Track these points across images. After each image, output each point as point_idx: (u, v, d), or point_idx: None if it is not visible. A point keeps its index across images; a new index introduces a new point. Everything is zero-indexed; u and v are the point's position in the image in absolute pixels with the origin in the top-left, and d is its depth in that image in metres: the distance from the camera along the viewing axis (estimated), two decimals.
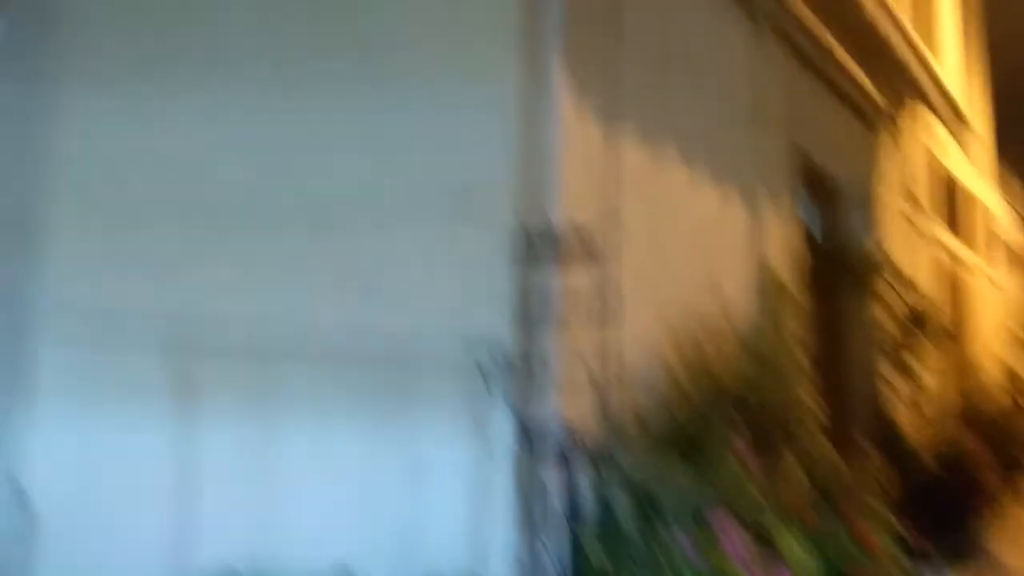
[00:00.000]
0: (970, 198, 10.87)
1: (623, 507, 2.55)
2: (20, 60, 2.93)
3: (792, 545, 2.63)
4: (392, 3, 2.92)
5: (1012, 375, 10.81)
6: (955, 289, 9.97)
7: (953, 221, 10.06)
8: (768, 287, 4.76)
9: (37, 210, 2.81)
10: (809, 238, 6.18)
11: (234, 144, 2.82)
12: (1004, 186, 13.95)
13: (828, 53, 5.61)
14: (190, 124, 2.84)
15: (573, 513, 2.56)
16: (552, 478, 2.57)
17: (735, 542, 2.40)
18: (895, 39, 5.14)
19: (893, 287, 6.71)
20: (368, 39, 2.90)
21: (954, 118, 7.09)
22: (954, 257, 9.97)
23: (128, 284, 2.80)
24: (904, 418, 6.60)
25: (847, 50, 5.78)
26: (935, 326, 6.92)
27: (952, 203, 10.04)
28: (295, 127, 2.83)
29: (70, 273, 2.83)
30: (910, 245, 7.93)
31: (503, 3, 2.85)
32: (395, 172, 2.78)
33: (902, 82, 6.04)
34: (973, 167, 10.79)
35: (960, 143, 8.02)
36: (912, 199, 8.05)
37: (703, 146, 4.16)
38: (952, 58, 9.99)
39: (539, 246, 2.66)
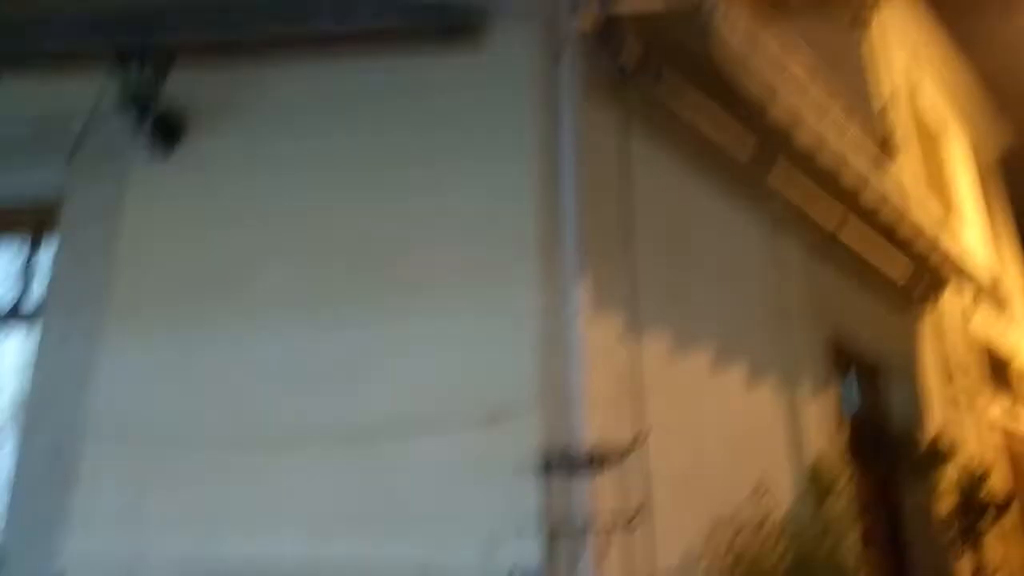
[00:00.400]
0: (1019, 365, 10.59)
1: None
2: (66, 299, 3.14)
3: None
4: (421, 233, 3.13)
5: None
6: (1019, 461, 9.51)
7: (1008, 391, 9.77)
8: (812, 476, 4.63)
9: (70, 455, 2.88)
10: (854, 420, 6.05)
11: (267, 373, 2.94)
12: None
13: (847, 241, 5.74)
14: (225, 358, 2.97)
15: None
16: None
17: None
18: (906, 230, 5.26)
19: (948, 464, 6.46)
20: (399, 265, 3.09)
21: (985, 290, 7.09)
22: (1012, 427, 9.59)
23: (151, 527, 2.80)
24: None
25: (866, 236, 5.91)
26: (997, 501, 6.57)
27: (1003, 373, 9.80)
28: (326, 354, 2.96)
29: (93, 519, 2.85)
30: (961, 419, 7.68)
31: (524, 228, 3.07)
32: (423, 393, 2.87)
33: (925, 265, 6.11)
34: (1015, 332, 10.60)
35: (997, 311, 7.98)
36: (958, 372, 7.89)
37: (730, 339, 4.21)
38: (975, 225, 10.12)
39: (566, 461, 2.67)
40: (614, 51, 3.74)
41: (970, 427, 7.92)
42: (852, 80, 7.88)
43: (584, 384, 2.89)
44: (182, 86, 3.27)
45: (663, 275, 3.74)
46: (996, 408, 9.07)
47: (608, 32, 3.67)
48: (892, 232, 5.33)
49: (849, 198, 4.95)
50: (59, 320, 3.10)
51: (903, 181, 7.46)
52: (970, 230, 9.77)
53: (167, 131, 3.24)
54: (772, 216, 4.98)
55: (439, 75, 3.43)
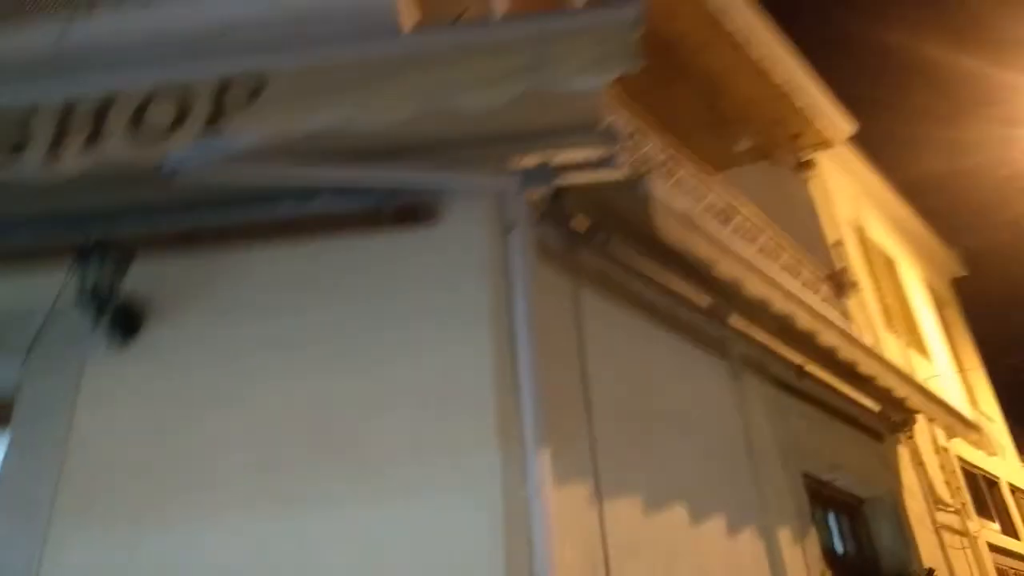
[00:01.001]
0: (1008, 489, 10.50)
1: None
2: (15, 497, 3.06)
3: None
4: (381, 412, 3.13)
5: None
6: None
7: (997, 515, 9.64)
8: None
9: None
10: (841, 560, 5.93)
11: (222, 570, 2.85)
12: None
13: (812, 379, 5.82)
14: (176, 556, 2.87)
15: None
16: None
17: None
18: (868, 367, 5.37)
19: None
20: (359, 447, 3.06)
21: (956, 416, 7.14)
22: (1007, 552, 9.39)
23: None
24: None
25: (830, 374, 6.01)
26: None
27: (990, 497, 9.70)
28: (284, 548, 2.87)
29: None
30: (952, 549, 7.54)
31: (482, 401, 3.09)
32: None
33: (892, 398, 6.19)
34: (994, 455, 10.57)
35: (973, 436, 8.01)
36: (941, 501, 7.81)
37: (701, 491, 4.18)
38: (939, 352, 10.29)
39: None
40: (563, 220, 3.93)
41: (962, 555, 7.75)
42: (803, 221, 8.26)
43: (552, 563, 2.83)
44: (142, 276, 3.34)
45: (626, 435, 3.75)
46: (987, 533, 8.92)
47: (556, 203, 3.86)
48: (854, 369, 5.42)
49: (807, 340, 5.06)
50: (6, 519, 3.02)
51: (861, 317, 7.67)
52: (935, 357, 9.94)
53: (126, 323, 3.28)
54: (733, 362, 5.07)
55: (396, 253, 3.54)
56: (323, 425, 3.11)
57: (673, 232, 3.52)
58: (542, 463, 3.03)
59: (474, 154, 3.54)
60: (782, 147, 8.57)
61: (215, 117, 2.17)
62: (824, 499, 5.87)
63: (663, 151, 5.66)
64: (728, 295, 4.44)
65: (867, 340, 7.27)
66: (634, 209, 3.63)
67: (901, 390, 5.89)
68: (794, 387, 5.70)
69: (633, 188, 3.59)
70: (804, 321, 4.50)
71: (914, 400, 6.20)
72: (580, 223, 3.99)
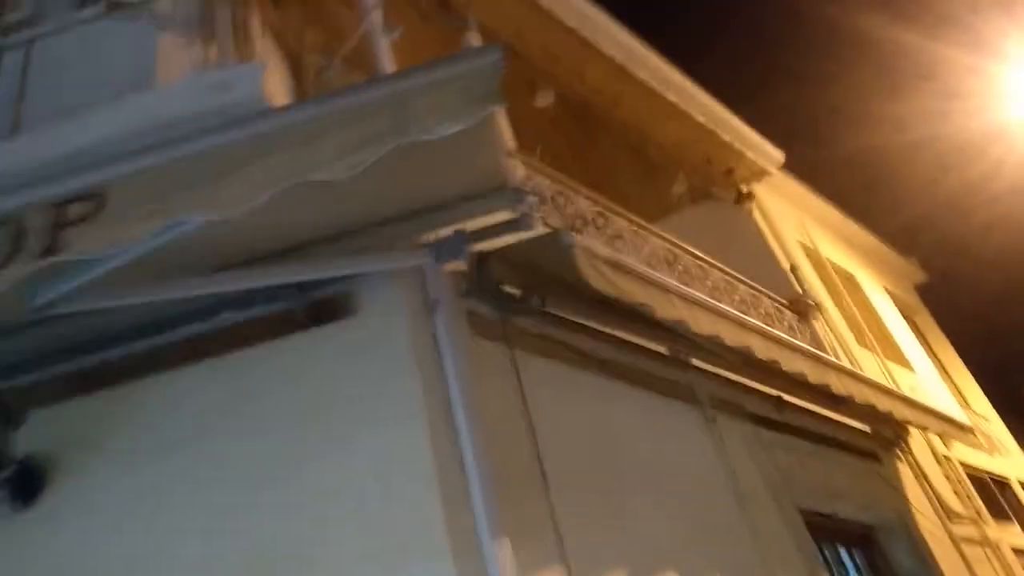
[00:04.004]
0: (1021, 487, 10.18)
1: None
2: None
3: None
4: (321, 530, 2.82)
5: None
6: None
7: (1019, 518, 9.30)
8: None
9: None
10: None
11: None
12: None
13: (793, 410, 5.58)
14: None
15: None
16: None
17: None
18: (842, 387, 5.14)
19: None
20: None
21: (948, 425, 6.89)
22: None
23: None
24: None
25: (807, 402, 5.76)
26: None
27: (1003, 498, 9.38)
28: None
29: None
30: (977, 563, 7.18)
31: (427, 500, 2.80)
32: None
33: (876, 415, 5.94)
34: (997, 453, 10.29)
35: (970, 440, 7.75)
36: (954, 513, 7.48)
37: (689, 553, 3.83)
38: (918, 360, 10.10)
39: None
40: (493, 287, 3.71)
41: (988, 567, 7.40)
42: (755, 252, 8.16)
43: None
44: (38, 429, 3.06)
45: (594, 508, 3.42)
46: (1009, 536, 8.57)
47: (484, 271, 3.65)
48: (828, 392, 5.18)
49: (778, 370, 4.83)
50: None
51: (831, 339, 7.48)
52: (916, 366, 9.75)
53: (25, 485, 2.96)
54: (703, 406, 4.80)
55: (315, 355, 3.28)
56: (261, 557, 2.77)
57: (603, 280, 3.31)
58: (503, 563, 2.71)
59: (383, 236, 3.34)
60: (719, 184, 8.53)
61: (55, 242, 1.95)
62: (831, 534, 5.53)
63: (593, 208, 5.52)
64: (686, 337, 4.22)
65: (839, 360, 7.07)
66: (562, 263, 3.42)
67: (882, 404, 5.65)
68: (775, 421, 5.43)
69: (556, 241, 3.39)
70: (762, 351, 4.27)
71: (900, 412, 5.95)
72: (512, 287, 3.78)
